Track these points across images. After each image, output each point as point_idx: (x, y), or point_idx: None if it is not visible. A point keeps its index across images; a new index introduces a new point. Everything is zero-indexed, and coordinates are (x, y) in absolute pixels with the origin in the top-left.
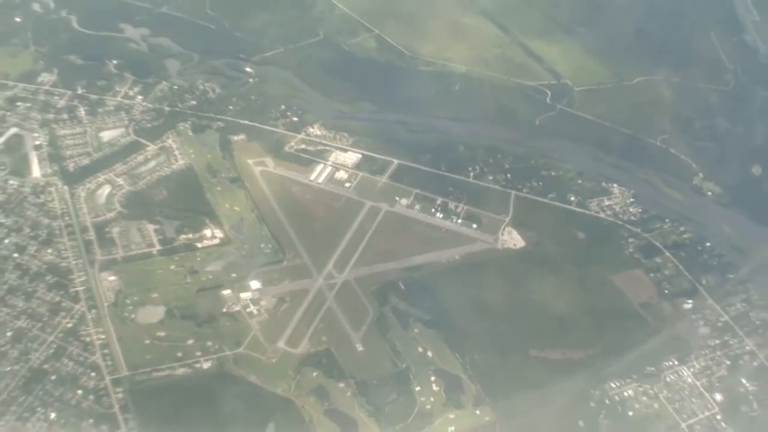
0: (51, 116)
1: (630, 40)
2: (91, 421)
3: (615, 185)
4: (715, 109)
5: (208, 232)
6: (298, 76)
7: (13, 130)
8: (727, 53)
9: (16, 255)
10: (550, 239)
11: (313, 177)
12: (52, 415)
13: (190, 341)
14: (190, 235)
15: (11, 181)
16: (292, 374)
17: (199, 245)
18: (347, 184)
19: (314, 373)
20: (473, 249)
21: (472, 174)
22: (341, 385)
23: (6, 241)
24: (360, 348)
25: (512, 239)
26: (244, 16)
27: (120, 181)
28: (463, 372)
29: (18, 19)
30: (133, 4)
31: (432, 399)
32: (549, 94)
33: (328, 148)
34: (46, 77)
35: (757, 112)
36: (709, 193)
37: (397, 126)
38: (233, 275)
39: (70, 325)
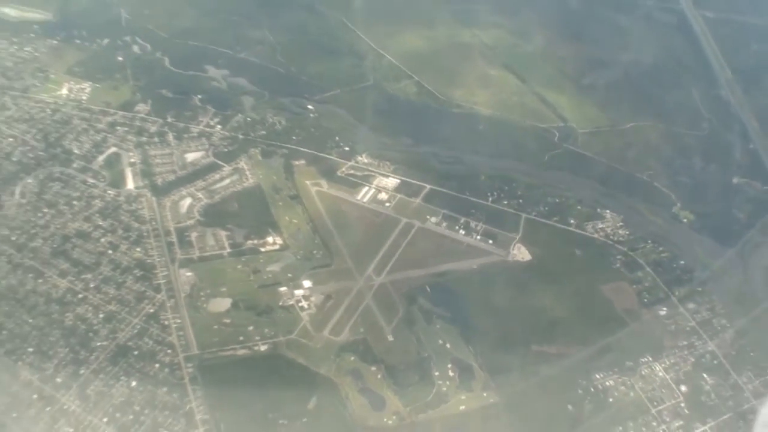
0: (144, 139)
1: (625, 92)
2: (165, 389)
3: (608, 211)
4: (692, 150)
5: (270, 239)
6: (350, 113)
7: (113, 149)
8: (705, 105)
9: (110, 251)
10: (552, 254)
11: (359, 197)
12: (133, 383)
13: (251, 328)
14: (255, 241)
15: (109, 191)
16: (333, 358)
17: (262, 249)
18: (387, 204)
19: (351, 358)
20: (488, 260)
21: (490, 199)
22: (373, 368)
23: (103, 239)
24: (390, 338)
25: (521, 253)
26: (308, 63)
27: (199, 194)
28: (475, 361)
29: (120, 59)
30: (216, 50)
31: (448, 383)
32: (557, 134)
33: (372, 173)
34: (142, 107)
35: (727, 154)
36: (685, 220)
37: (430, 157)
38: (289, 275)
39: (152, 310)
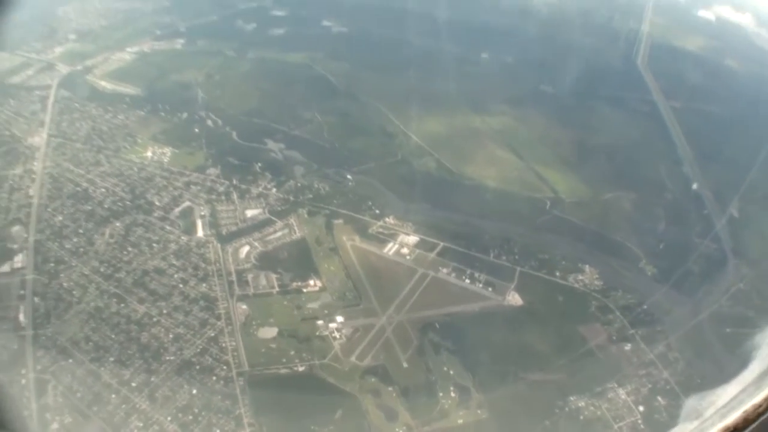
0: (213, 197)
1: (605, 169)
2: (220, 397)
3: (587, 266)
4: (657, 216)
5: (311, 282)
6: (381, 182)
7: (187, 203)
8: (669, 179)
9: (181, 285)
10: (539, 300)
11: (385, 251)
12: (194, 391)
13: (292, 352)
14: (299, 283)
15: (182, 237)
16: (357, 379)
17: (305, 290)
18: (407, 257)
19: (372, 379)
20: (487, 304)
21: (492, 255)
22: (389, 388)
23: (175, 275)
24: (405, 365)
25: (514, 299)
26: (348, 140)
27: (256, 244)
28: (472, 385)
29: (196, 130)
30: (275, 127)
31: (449, 402)
32: (548, 203)
33: (397, 232)
34: (212, 171)
35: (686, 219)
36: (649, 273)
37: (444, 220)
38: (325, 311)
39: (212, 334)
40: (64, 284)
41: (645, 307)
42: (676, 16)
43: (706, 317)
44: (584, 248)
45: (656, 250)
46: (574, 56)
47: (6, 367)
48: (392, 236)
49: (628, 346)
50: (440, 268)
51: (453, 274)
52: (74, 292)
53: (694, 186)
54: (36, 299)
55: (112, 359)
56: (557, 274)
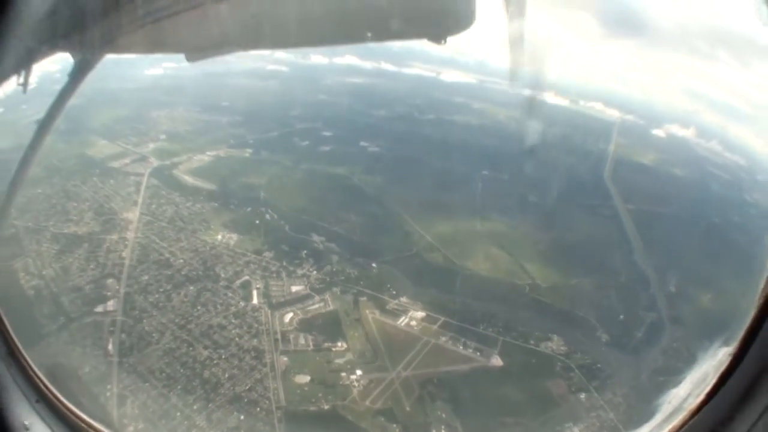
0: (267, 274)
1: (574, 260)
2: (261, 423)
3: (555, 335)
4: (612, 295)
5: (339, 344)
6: (398, 270)
7: (246, 278)
8: (623, 266)
9: (237, 339)
10: (516, 362)
11: (398, 323)
12: (242, 417)
13: (320, 394)
14: (329, 344)
15: (241, 303)
16: (370, 418)
17: (333, 349)
18: (415, 328)
19: (381, 419)
20: (475, 365)
21: (481, 327)
22: (394, 425)
23: (233, 331)
24: (408, 409)
25: (497, 361)
26: (375, 237)
27: (298, 312)
28: (460, 426)
29: (257, 222)
30: (318, 224)
31: None
32: (527, 288)
33: (408, 309)
34: (267, 254)
35: (635, 297)
36: (603, 339)
37: (446, 301)
38: (348, 366)
39: (259, 377)
40: (146, 328)
41: (598, 365)
42: (635, 135)
43: (646, 370)
44: (554, 322)
45: (610, 321)
46: (556, 172)
47: (97, 381)
48: (404, 311)
49: (583, 395)
50: (440, 336)
51: (450, 342)
52: (153, 335)
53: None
54: (123, 335)
55: (179, 387)
56: (531, 342)
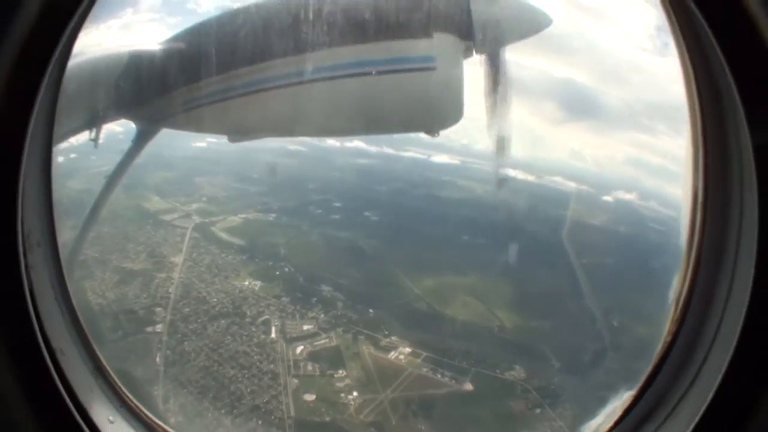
0: (284, 315)
1: (536, 306)
2: (275, 429)
3: (517, 365)
4: (565, 332)
5: (340, 371)
6: (391, 315)
7: (266, 317)
8: (576, 309)
9: (258, 363)
10: (485, 387)
11: (389, 356)
12: (259, 422)
13: (323, 409)
14: (332, 372)
15: (262, 336)
16: (363, 428)
17: (335, 375)
18: (403, 360)
19: (372, 429)
20: (450, 390)
21: (456, 360)
22: None
23: (255, 357)
24: (393, 422)
25: (468, 387)
26: (373, 288)
27: (308, 345)
28: None
29: (277, 273)
30: (327, 276)
31: None
32: (496, 329)
33: (398, 345)
34: (285, 299)
35: (582, 332)
36: (557, 366)
37: (429, 339)
38: (347, 389)
39: (274, 393)
40: (186, 348)
41: (552, 386)
42: (589, 202)
43: (590, 388)
44: (516, 355)
45: (562, 352)
46: (522, 236)
47: (146, 384)
48: (395, 347)
49: (538, 410)
50: (423, 368)
51: (430, 372)
52: (191, 354)
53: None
54: (167, 351)
55: (210, 395)
56: (497, 371)
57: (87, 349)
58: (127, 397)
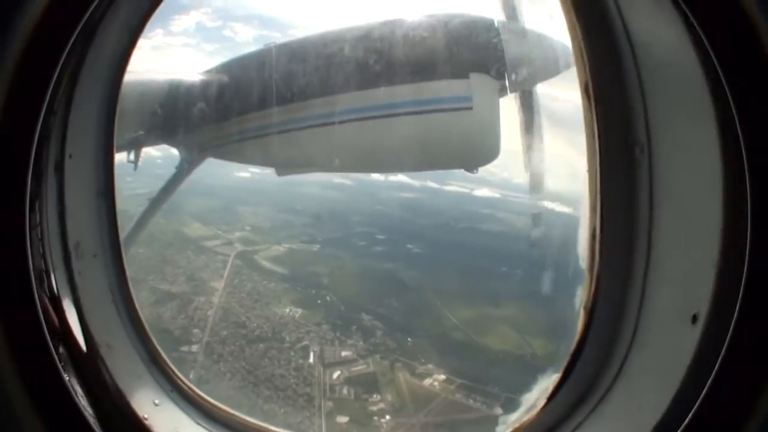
0: (323, 341)
1: (568, 334)
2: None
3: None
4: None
5: (375, 396)
6: (428, 343)
7: (305, 342)
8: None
9: (294, 386)
10: (509, 409)
11: (424, 383)
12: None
13: (355, 430)
14: (367, 396)
15: (300, 360)
16: None
17: (369, 400)
18: (437, 387)
19: None
20: (480, 414)
21: (489, 386)
22: None
23: (292, 381)
24: None
25: (498, 410)
26: (412, 318)
27: (345, 371)
28: None
29: (319, 301)
30: (367, 306)
31: None
32: (529, 356)
33: (433, 372)
34: (325, 326)
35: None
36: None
37: (464, 367)
38: (380, 412)
39: (308, 414)
40: (221, 368)
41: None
42: None
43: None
44: (544, 378)
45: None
46: (558, 267)
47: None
48: (430, 374)
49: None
50: (456, 394)
51: (463, 397)
52: (226, 375)
53: None
54: (201, 371)
55: (243, 411)
56: (526, 395)
57: (142, 342)
58: (180, 380)
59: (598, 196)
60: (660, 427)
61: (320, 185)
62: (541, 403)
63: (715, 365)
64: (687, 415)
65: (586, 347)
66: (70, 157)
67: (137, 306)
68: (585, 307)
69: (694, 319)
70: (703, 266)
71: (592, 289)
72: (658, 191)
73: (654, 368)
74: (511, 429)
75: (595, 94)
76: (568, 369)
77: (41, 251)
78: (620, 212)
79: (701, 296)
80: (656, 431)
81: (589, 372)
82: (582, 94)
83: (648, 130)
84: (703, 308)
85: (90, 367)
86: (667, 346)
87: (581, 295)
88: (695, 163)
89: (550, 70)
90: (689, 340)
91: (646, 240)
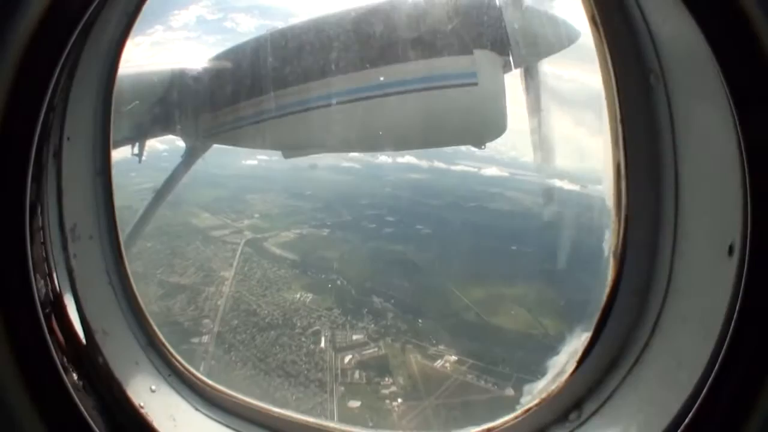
0: (334, 326)
1: (581, 314)
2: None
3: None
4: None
5: (386, 379)
6: (439, 325)
7: (317, 327)
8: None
9: (306, 372)
10: (518, 388)
11: (435, 364)
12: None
13: (366, 416)
14: (379, 379)
15: (311, 346)
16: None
17: (381, 383)
18: (448, 368)
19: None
20: (492, 396)
21: (500, 366)
22: None
23: (303, 366)
24: (436, 428)
25: (510, 392)
26: (423, 299)
27: (356, 355)
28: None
29: (329, 286)
30: (378, 288)
31: None
32: (540, 336)
33: (444, 354)
34: (336, 311)
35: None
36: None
37: (475, 347)
38: (391, 395)
39: (320, 400)
40: (232, 358)
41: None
42: None
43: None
44: (555, 357)
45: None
46: (568, 245)
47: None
48: (441, 356)
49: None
50: (467, 375)
51: (474, 378)
52: (237, 364)
53: None
54: (212, 362)
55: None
56: (539, 376)
57: (139, 325)
58: (178, 363)
59: (620, 126)
60: (700, 384)
61: (328, 169)
62: (571, 368)
63: (757, 300)
64: (733, 366)
65: (618, 299)
66: (68, 139)
67: (134, 287)
68: (614, 254)
69: (731, 250)
70: (733, 191)
71: (621, 232)
72: (678, 118)
73: (693, 315)
74: (537, 399)
75: (603, 24)
76: (599, 326)
77: (41, 235)
78: (644, 142)
79: (735, 224)
80: (697, 388)
81: (622, 328)
82: (590, 25)
83: (658, 56)
84: (738, 238)
85: (86, 356)
86: (704, 286)
87: (609, 242)
88: (711, 86)
89: (554, 45)
90: (727, 276)
91: (672, 170)
